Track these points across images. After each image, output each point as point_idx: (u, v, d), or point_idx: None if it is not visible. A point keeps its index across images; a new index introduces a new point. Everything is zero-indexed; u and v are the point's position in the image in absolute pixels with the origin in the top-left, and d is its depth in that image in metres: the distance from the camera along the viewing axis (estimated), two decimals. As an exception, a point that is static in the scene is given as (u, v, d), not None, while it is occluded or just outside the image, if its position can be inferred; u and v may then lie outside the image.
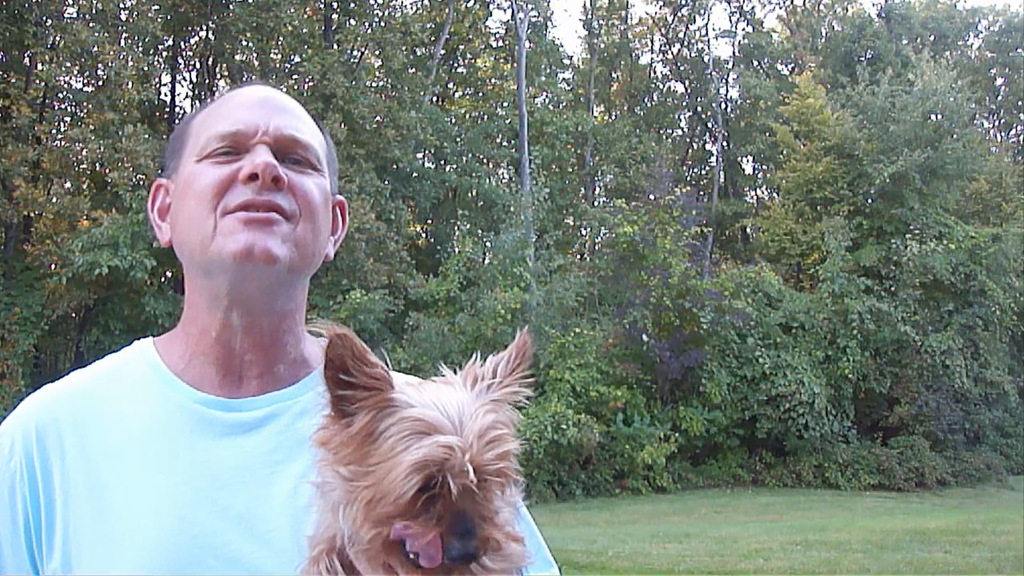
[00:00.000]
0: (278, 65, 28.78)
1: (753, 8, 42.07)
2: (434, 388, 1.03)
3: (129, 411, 1.30)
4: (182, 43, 28.49)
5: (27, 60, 22.94)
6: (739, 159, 41.10)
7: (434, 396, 1.00)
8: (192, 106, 29.63)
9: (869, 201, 29.67)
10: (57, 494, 1.25)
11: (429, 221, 33.07)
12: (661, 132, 41.82)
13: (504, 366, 1.06)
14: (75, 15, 23.37)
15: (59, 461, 1.26)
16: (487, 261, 27.86)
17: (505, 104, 34.83)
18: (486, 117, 34.92)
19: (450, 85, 36.52)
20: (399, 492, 0.95)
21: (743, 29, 41.69)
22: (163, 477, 1.25)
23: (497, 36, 37.21)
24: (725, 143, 39.75)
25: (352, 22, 29.36)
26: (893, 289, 27.60)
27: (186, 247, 1.33)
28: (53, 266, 21.62)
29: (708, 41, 40.52)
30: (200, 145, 1.33)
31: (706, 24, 40.97)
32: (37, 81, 22.61)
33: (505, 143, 34.39)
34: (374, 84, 30.40)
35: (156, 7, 24.59)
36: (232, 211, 1.27)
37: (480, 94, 36.61)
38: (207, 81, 29.33)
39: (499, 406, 1.03)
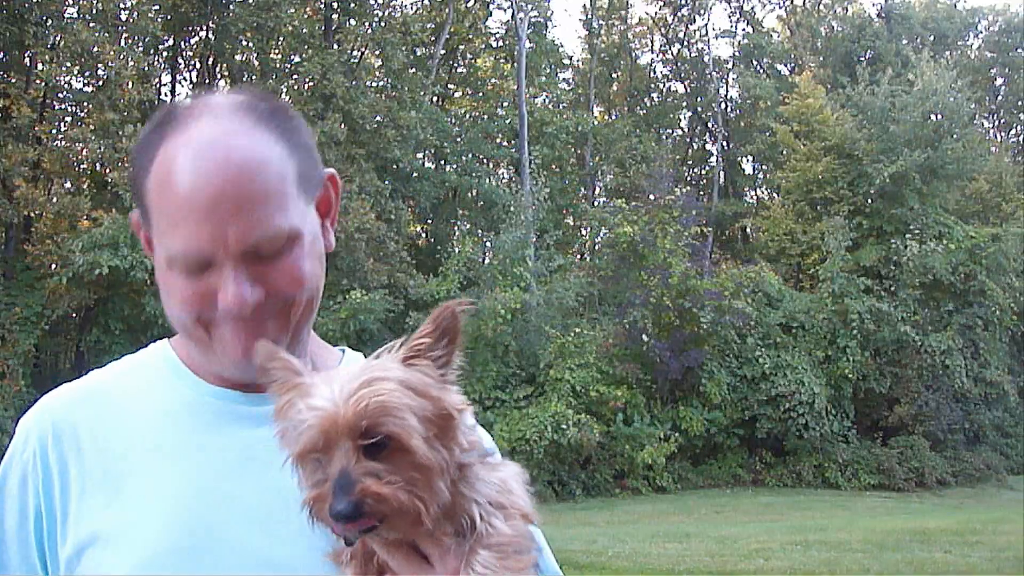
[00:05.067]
0: (278, 65, 28.77)
1: (753, 8, 42.14)
2: (345, 369, 1.10)
3: (144, 404, 1.34)
4: (182, 43, 28.50)
5: (27, 60, 22.94)
6: (739, 159, 41.10)
7: (335, 373, 1.08)
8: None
9: (869, 201, 29.68)
10: (73, 487, 1.28)
11: (429, 221, 33.08)
12: (661, 132, 41.80)
13: (417, 333, 1.10)
14: (75, 15, 23.37)
15: (76, 456, 1.30)
16: (487, 261, 27.86)
17: (505, 104, 34.83)
18: (486, 117, 34.91)
19: (450, 85, 36.49)
20: (291, 455, 1.07)
21: (743, 29, 41.73)
22: (174, 466, 1.28)
23: (497, 36, 37.21)
24: (725, 143, 39.77)
25: (352, 22, 29.35)
26: (893, 289, 27.61)
27: (180, 332, 1.33)
28: (53, 266, 21.61)
29: (708, 41, 40.54)
30: (162, 245, 1.25)
31: (706, 24, 41.05)
32: (37, 81, 22.62)
33: (505, 143, 34.40)
34: (374, 84, 30.40)
35: (156, 7, 24.60)
36: (219, 322, 1.26)
37: (480, 94, 36.59)
38: (207, 81, 29.32)
39: (388, 370, 1.06)
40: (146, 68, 24.57)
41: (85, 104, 23.65)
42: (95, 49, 21.94)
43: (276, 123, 1.27)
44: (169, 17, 25.65)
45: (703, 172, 42.06)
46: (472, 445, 1.11)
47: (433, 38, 32.57)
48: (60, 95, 23.89)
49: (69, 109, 24.61)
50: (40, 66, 22.45)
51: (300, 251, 1.26)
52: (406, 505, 1.02)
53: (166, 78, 29.09)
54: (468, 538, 1.07)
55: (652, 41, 43.25)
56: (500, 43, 36.85)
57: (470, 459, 1.10)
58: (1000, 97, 43.87)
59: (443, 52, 33.70)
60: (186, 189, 1.20)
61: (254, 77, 27.91)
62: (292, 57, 28.92)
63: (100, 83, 23.03)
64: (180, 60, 29.35)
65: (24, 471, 1.31)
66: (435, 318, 1.08)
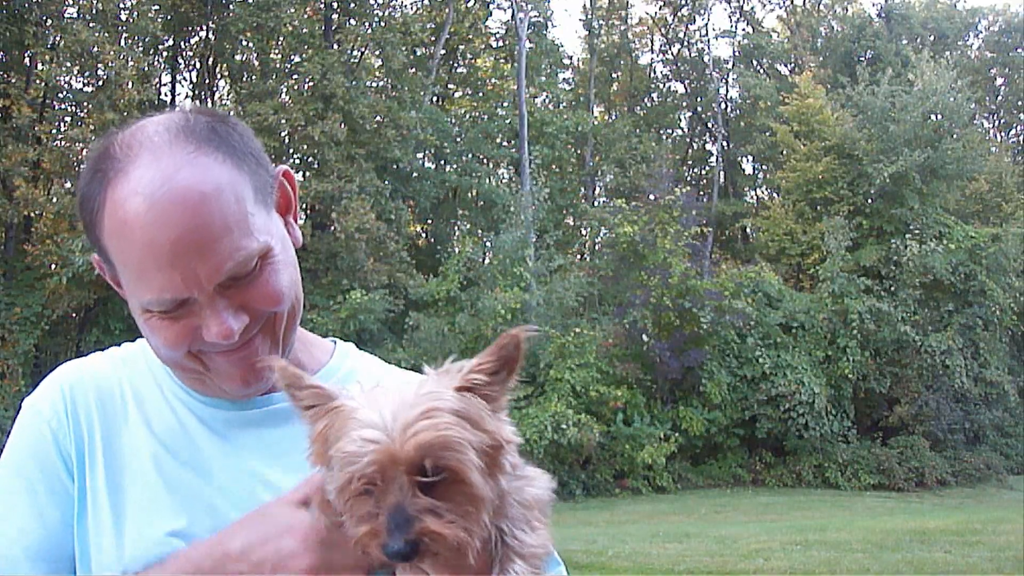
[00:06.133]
0: (278, 65, 28.76)
1: (753, 8, 42.14)
2: (387, 388, 1.06)
3: (144, 398, 1.37)
4: (182, 43, 28.50)
5: (27, 60, 22.95)
6: (739, 159, 41.09)
7: (379, 395, 1.04)
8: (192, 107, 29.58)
9: (869, 201, 29.67)
10: (86, 458, 1.31)
11: (429, 221, 33.07)
12: (661, 132, 41.79)
13: (476, 361, 1.07)
14: (75, 15, 23.38)
15: (87, 428, 1.33)
16: (487, 261, 27.86)
17: (505, 104, 34.83)
18: (486, 117, 34.91)
19: (450, 85, 36.50)
20: (337, 485, 1.02)
21: (743, 29, 41.73)
22: (176, 465, 1.31)
23: (497, 36, 37.21)
24: (725, 143, 39.75)
25: (352, 22, 29.36)
26: (893, 289, 27.60)
27: (171, 368, 1.34)
28: (53, 266, 21.63)
29: (708, 41, 40.53)
30: (133, 296, 1.25)
31: (706, 24, 40.99)
32: (37, 81, 22.63)
33: (505, 143, 34.39)
34: (374, 84, 30.41)
35: (156, 7, 24.60)
36: (211, 354, 1.26)
37: (480, 94, 36.58)
38: (207, 81, 29.35)
39: (445, 399, 1.02)
40: (146, 68, 24.56)
41: (85, 104, 23.65)
42: (95, 49, 21.95)
43: (217, 141, 1.23)
44: (169, 17, 25.65)
45: (703, 172, 42.05)
46: (515, 467, 1.10)
47: (433, 38, 32.58)
48: (60, 95, 23.89)
49: (69, 109, 24.62)
50: (40, 66, 22.48)
51: (273, 265, 1.25)
52: (463, 542, 1.00)
53: (166, 78, 29.11)
54: (496, 548, 1.07)
55: (652, 41, 43.26)
56: (500, 43, 36.86)
57: (511, 485, 1.09)
58: (1000, 97, 43.87)
59: (443, 52, 33.70)
60: (145, 240, 1.17)
61: (254, 77, 27.92)
62: (292, 57, 28.92)
63: (100, 83, 23.05)
64: (180, 60, 29.34)
65: (56, 437, 1.32)
66: (499, 347, 1.05)
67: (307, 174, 26.46)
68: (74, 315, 23.13)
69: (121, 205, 1.18)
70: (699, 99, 41.09)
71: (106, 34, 22.73)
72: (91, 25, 22.70)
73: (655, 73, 43.54)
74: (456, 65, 36.83)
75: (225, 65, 29.07)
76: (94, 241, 1.26)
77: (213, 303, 1.20)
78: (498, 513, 1.07)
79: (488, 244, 29.43)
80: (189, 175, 1.17)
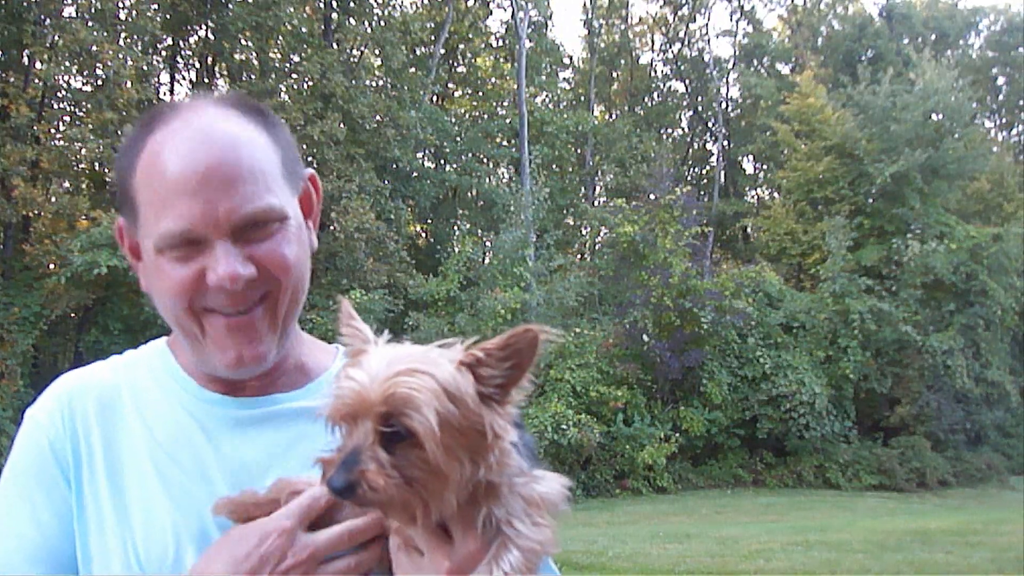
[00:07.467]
0: (277, 64, 28.72)
1: (753, 7, 42.16)
2: (404, 346, 1.11)
3: (145, 403, 1.38)
4: (181, 42, 28.43)
5: (26, 59, 22.90)
6: (740, 159, 41.10)
7: (392, 349, 1.10)
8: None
9: (870, 201, 29.63)
10: (85, 466, 1.33)
11: (429, 221, 33.04)
12: (661, 132, 41.79)
13: (486, 344, 1.09)
14: (74, 14, 23.30)
15: (84, 436, 1.34)
16: (487, 261, 27.83)
17: (505, 104, 34.83)
18: (486, 117, 34.91)
19: (450, 85, 36.48)
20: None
21: (743, 28, 41.76)
22: (173, 467, 1.32)
23: (497, 36, 37.22)
24: (726, 142, 39.75)
25: (352, 21, 29.32)
26: (894, 289, 27.54)
27: (174, 329, 1.36)
28: (52, 266, 21.57)
29: (708, 40, 40.68)
30: (152, 233, 1.26)
31: (706, 23, 41.23)
32: (36, 80, 22.57)
33: (505, 143, 34.37)
34: (374, 84, 30.37)
35: (155, 6, 24.51)
36: (211, 308, 1.28)
37: (480, 94, 36.59)
38: (206, 80, 29.28)
39: (439, 367, 1.05)
40: (145, 67, 24.46)
41: (84, 103, 23.57)
42: (94, 48, 21.88)
43: (259, 117, 1.33)
44: (168, 16, 25.58)
45: (704, 172, 42.06)
46: (503, 465, 1.10)
47: (433, 37, 32.56)
48: (59, 94, 23.80)
49: (68, 108, 24.52)
50: (39, 65, 22.40)
51: (287, 234, 1.29)
52: (398, 501, 1.03)
53: (165, 77, 29.02)
54: (490, 532, 1.10)
55: (652, 40, 43.28)
56: (500, 43, 36.86)
57: (500, 479, 1.10)
58: (1001, 96, 43.86)
59: (443, 52, 33.67)
60: (175, 171, 1.22)
61: (253, 76, 27.86)
62: (291, 56, 28.86)
63: (99, 82, 22.97)
64: (179, 59, 29.27)
65: (52, 448, 1.33)
66: (510, 336, 1.07)
67: (306, 174, 26.37)
68: (73, 315, 23.07)
69: (160, 143, 1.25)
70: (699, 98, 41.10)
71: (105, 33, 22.67)
72: (90, 24, 22.63)
73: (655, 72, 43.57)
74: (456, 65, 36.81)
75: (224, 64, 29.00)
76: (124, 189, 1.31)
77: (225, 245, 1.23)
78: (489, 499, 1.09)
79: (488, 244, 29.41)
80: (229, 126, 1.27)
